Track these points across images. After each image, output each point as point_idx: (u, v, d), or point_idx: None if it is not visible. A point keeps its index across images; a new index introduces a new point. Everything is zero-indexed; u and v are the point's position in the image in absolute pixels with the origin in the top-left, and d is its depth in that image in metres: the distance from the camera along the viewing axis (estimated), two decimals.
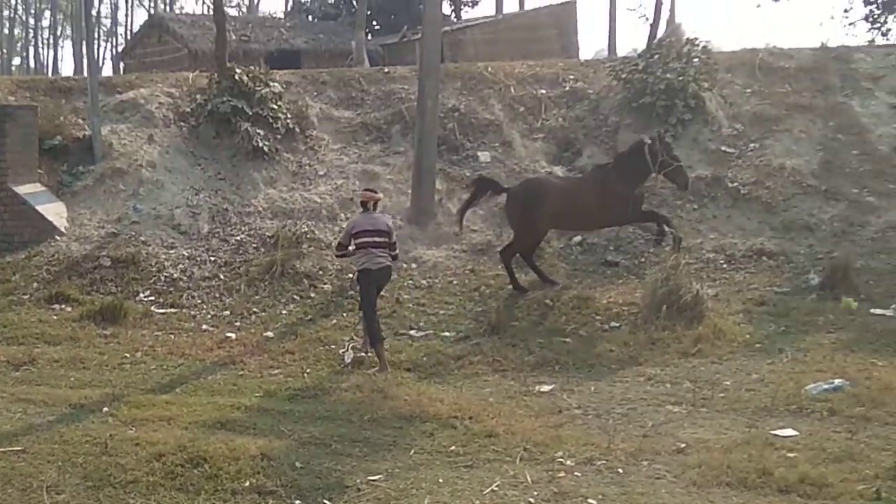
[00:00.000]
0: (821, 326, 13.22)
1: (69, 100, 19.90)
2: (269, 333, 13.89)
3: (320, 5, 44.48)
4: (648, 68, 19.27)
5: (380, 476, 8.59)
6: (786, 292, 14.77)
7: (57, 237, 16.38)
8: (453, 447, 9.36)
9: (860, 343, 12.45)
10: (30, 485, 8.33)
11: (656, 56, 19.55)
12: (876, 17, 32.91)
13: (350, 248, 12.77)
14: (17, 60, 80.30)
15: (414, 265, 15.94)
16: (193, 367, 12.54)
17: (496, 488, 8.30)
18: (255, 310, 14.78)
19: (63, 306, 14.68)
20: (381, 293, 13.18)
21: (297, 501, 8.10)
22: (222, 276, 15.66)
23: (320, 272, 15.63)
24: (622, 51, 34.62)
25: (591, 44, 75.22)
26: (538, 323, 13.98)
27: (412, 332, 13.82)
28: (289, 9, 52.63)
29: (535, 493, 8.22)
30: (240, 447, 9.01)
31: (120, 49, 59.94)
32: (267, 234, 16.59)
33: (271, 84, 19.10)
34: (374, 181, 17.53)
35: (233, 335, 13.81)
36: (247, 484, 8.36)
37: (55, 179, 17.76)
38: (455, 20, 41.62)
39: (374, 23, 41.16)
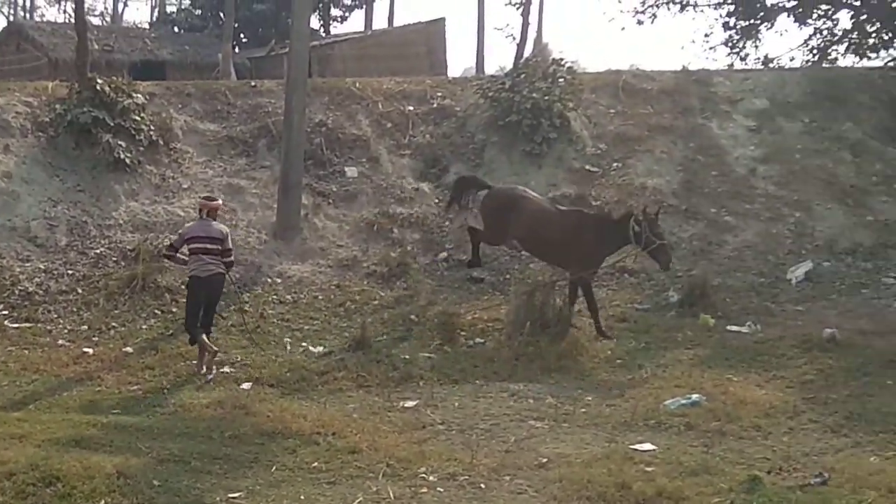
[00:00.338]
0: (679, 343, 13.50)
1: None
2: (129, 349, 13.55)
3: (186, 17, 43.79)
4: (515, 87, 19.45)
5: (240, 493, 8.44)
6: (646, 309, 15.06)
7: None
8: (316, 463, 9.26)
9: (717, 359, 12.76)
10: None
11: (522, 75, 19.76)
12: (735, 42, 33.72)
13: (184, 254, 12.80)
14: None
15: (279, 280, 15.77)
16: (48, 384, 12.17)
17: None
18: (114, 324, 14.42)
19: None
20: (220, 301, 13.22)
21: None
22: (80, 290, 15.23)
23: (182, 287, 15.27)
24: (490, 69, 35.01)
25: (459, 62, 75.98)
26: (403, 339, 13.96)
27: (276, 348, 13.66)
28: (154, 19, 51.73)
29: None
30: (95, 465, 8.72)
31: None
32: (128, 247, 16.20)
33: (134, 95, 18.67)
34: (240, 195, 17.35)
35: (90, 350, 13.43)
36: (102, 503, 8.14)
37: None
38: (324, 35, 41.40)
39: (242, 35, 40.66)
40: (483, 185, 15.57)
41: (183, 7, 46.70)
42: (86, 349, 13.49)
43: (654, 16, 29.04)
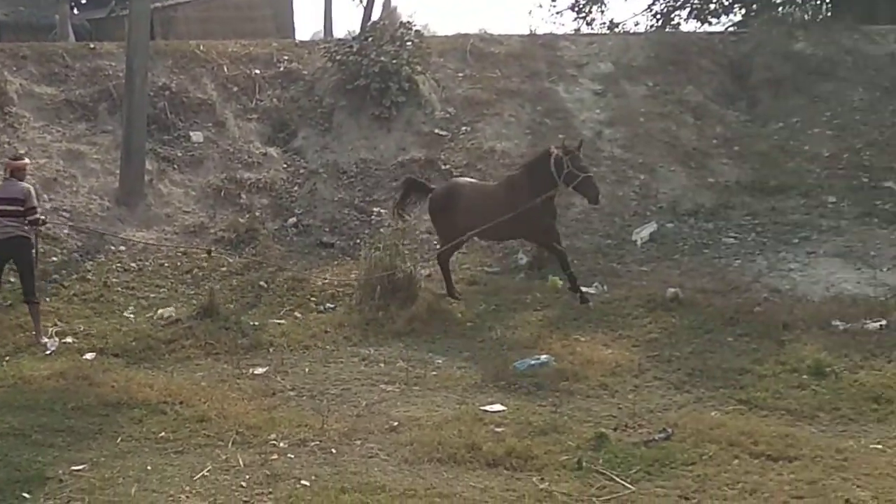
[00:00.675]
0: (528, 305, 13.64)
1: None
2: None
3: None
4: (363, 51, 19.29)
5: (84, 466, 8.26)
6: (496, 272, 15.18)
7: None
8: (163, 433, 9.11)
9: (565, 320, 12.95)
10: None
11: (370, 39, 19.60)
12: (581, 6, 34.30)
13: None
14: None
15: (123, 247, 15.35)
16: None
17: (207, 473, 8.14)
18: None
19: None
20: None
21: None
22: None
23: None
24: (339, 33, 34.67)
25: (308, 25, 75.06)
26: (252, 305, 13.80)
27: (121, 316, 13.33)
28: None
29: (248, 476, 8.10)
30: None
31: None
32: None
33: None
34: (80, 160, 16.81)
35: None
36: None
37: None
38: None
39: None
40: (426, 189, 14.90)
41: None
42: None
43: None
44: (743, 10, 31.76)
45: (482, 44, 21.60)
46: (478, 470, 8.32)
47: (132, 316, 13.34)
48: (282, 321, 13.19)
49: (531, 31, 23.10)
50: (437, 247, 14.87)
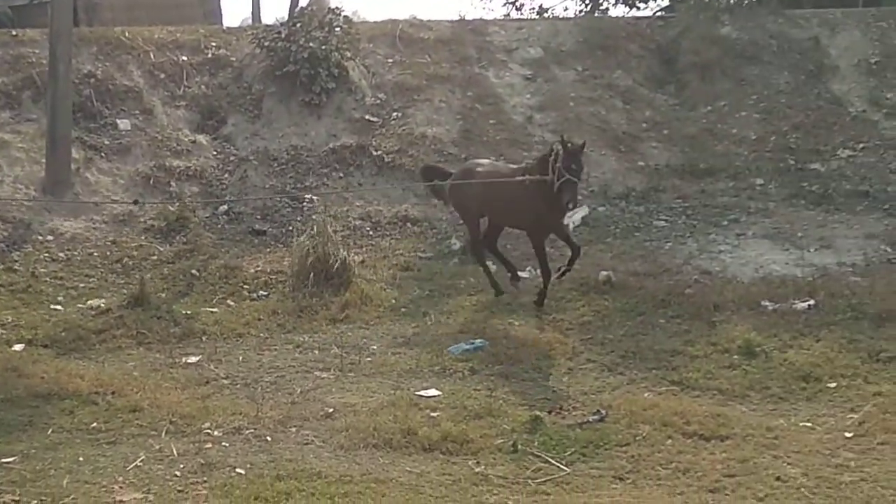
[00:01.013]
0: (462, 289, 13.66)
1: None
2: None
3: None
4: (291, 37, 19.12)
5: (14, 458, 8.17)
6: (430, 257, 15.17)
7: None
8: (95, 424, 9.03)
9: (498, 304, 12.99)
10: None
11: (299, 24, 19.44)
12: None
13: None
14: None
15: (50, 237, 15.10)
16: None
17: (141, 463, 8.09)
18: None
19: None
20: None
21: None
22: None
23: None
24: (267, 19, 34.42)
25: (235, 11, 74.49)
26: (184, 294, 13.66)
27: (50, 307, 13.13)
28: None
29: (182, 465, 8.06)
30: None
31: None
32: None
33: None
34: (4, 150, 16.49)
35: None
36: None
37: None
38: None
39: None
40: (445, 174, 13.98)
41: None
42: None
43: None
44: None
45: (412, 29, 21.54)
46: (413, 455, 8.36)
47: (61, 306, 13.14)
48: (214, 309, 13.08)
49: (461, 16, 23.19)
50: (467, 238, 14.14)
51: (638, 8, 32.75)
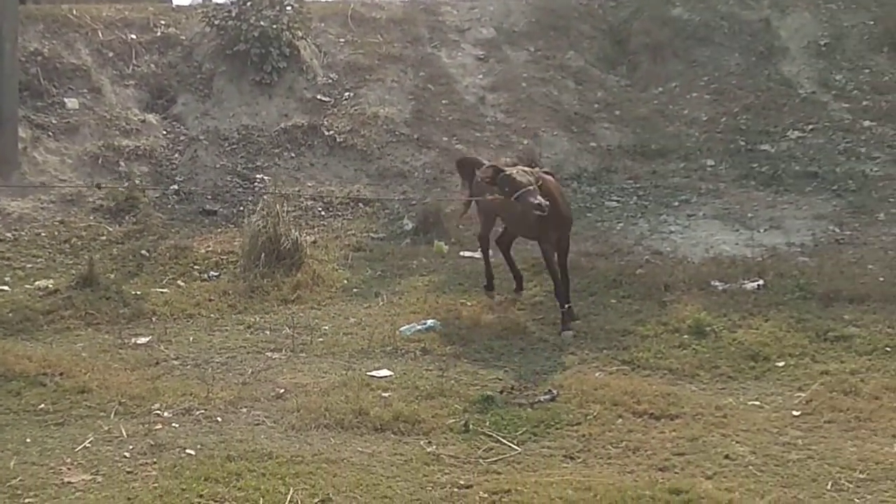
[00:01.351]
0: (415, 270, 13.66)
1: None
2: None
3: None
4: (242, 15, 18.95)
5: None
6: (382, 238, 15.15)
7: None
8: (42, 405, 8.94)
9: (451, 284, 12.99)
10: None
11: (249, 3, 19.27)
12: None
13: None
14: None
15: None
16: None
17: (89, 444, 8.02)
18: None
19: None
20: None
21: None
22: None
23: None
24: None
25: None
26: (134, 274, 13.53)
27: None
28: None
29: (131, 446, 8.00)
30: None
31: None
32: None
33: None
34: None
35: None
36: None
37: None
38: None
39: None
40: (478, 163, 12.62)
41: None
42: None
43: None
44: None
45: (363, 9, 21.43)
46: (365, 435, 8.36)
47: (8, 287, 12.97)
48: (164, 290, 12.97)
49: None
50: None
51: None
